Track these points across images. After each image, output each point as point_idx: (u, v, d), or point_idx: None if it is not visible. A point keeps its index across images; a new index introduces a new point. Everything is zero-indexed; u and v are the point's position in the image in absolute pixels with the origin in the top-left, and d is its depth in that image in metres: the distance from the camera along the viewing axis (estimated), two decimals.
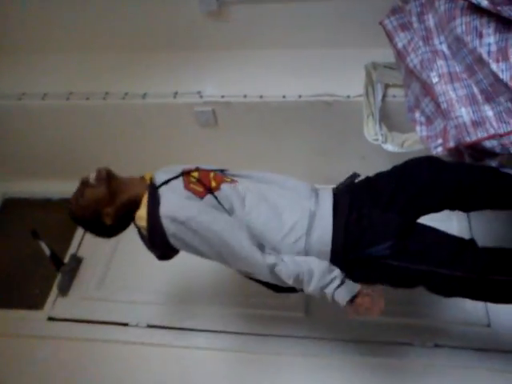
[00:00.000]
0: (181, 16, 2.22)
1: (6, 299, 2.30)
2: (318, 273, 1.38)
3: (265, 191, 1.53)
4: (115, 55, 2.38)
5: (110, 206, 1.50)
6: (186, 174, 1.52)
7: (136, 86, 2.25)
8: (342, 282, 1.38)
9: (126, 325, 2.11)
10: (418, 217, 1.59)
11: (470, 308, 1.89)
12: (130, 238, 1.76)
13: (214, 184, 1.50)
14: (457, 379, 1.77)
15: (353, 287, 1.39)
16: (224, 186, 1.50)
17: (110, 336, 2.09)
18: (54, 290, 2.28)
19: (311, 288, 1.39)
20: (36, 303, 2.26)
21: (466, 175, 1.52)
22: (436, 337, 1.87)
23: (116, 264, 2.33)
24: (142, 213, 1.46)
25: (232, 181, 1.56)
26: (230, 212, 1.46)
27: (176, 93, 2.21)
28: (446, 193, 1.54)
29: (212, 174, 1.55)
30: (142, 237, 1.55)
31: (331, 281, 1.38)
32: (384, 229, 1.44)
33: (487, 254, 1.42)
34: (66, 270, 2.29)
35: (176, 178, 1.50)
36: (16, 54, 2.45)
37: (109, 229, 1.57)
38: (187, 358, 1.99)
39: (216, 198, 1.46)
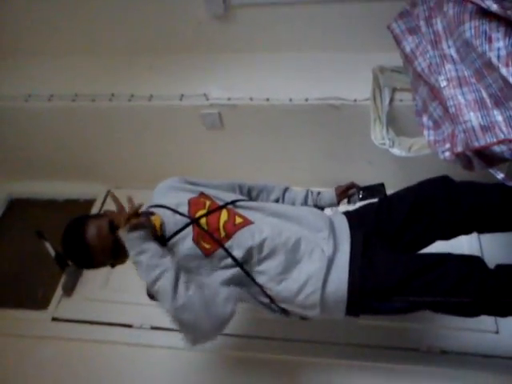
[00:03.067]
0: (187, 18, 2.22)
1: (10, 299, 2.31)
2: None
3: (282, 231, 1.45)
4: (121, 57, 2.39)
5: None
6: (195, 222, 1.45)
7: (142, 87, 2.25)
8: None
9: (130, 326, 2.11)
10: (433, 242, 1.60)
11: None
12: None
13: (223, 234, 1.43)
14: None
15: None
16: (237, 235, 1.43)
17: (114, 337, 2.09)
18: (59, 291, 2.28)
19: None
20: (40, 303, 2.26)
21: (481, 198, 1.53)
22: (443, 342, 1.85)
23: (120, 265, 2.33)
24: None
25: (245, 222, 1.46)
26: (239, 260, 1.42)
27: (182, 95, 2.20)
28: (462, 220, 1.54)
29: (222, 221, 1.45)
30: None
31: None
32: (396, 279, 1.42)
33: (495, 277, 1.40)
34: (70, 270, 2.29)
35: (186, 227, 1.44)
36: (22, 56, 2.46)
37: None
38: (191, 361, 1.98)
39: (226, 249, 1.42)
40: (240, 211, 1.51)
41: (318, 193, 1.71)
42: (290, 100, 2.09)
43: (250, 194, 1.69)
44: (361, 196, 1.68)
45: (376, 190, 1.67)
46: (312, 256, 1.44)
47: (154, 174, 2.57)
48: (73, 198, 2.69)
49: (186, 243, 1.42)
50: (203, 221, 1.45)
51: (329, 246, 1.45)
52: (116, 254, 1.43)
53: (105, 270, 2.27)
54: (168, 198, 1.54)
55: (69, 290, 2.26)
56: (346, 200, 1.72)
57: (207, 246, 1.42)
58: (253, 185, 1.70)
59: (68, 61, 2.43)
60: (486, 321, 1.86)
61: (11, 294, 2.33)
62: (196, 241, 1.42)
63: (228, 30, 2.23)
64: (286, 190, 1.72)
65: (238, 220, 1.46)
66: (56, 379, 2.01)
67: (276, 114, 2.15)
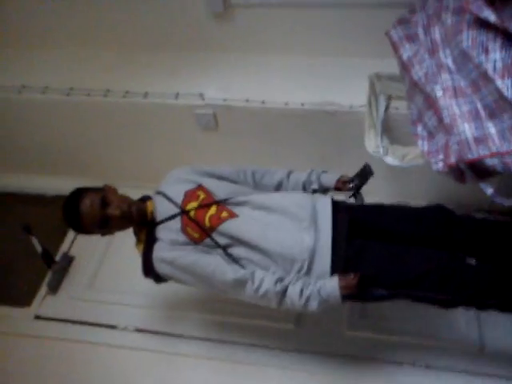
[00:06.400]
0: (186, 16, 2.19)
1: None
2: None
3: (265, 224, 1.53)
4: (118, 53, 2.36)
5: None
6: (184, 213, 1.55)
7: (137, 84, 2.23)
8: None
9: (114, 327, 2.08)
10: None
11: (464, 330, 1.85)
12: (122, 240, 1.73)
13: (208, 225, 1.53)
14: None
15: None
16: (220, 227, 1.52)
17: (98, 338, 2.06)
18: (43, 288, 2.25)
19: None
20: (23, 300, 2.23)
21: (475, 232, 1.59)
22: (428, 357, 1.83)
23: (107, 265, 2.30)
24: (139, 247, 1.61)
25: (230, 215, 1.54)
26: (226, 247, 1.53)
27: (177, 94, 2.18)
28: (454, 247, 1.58)
29: (208, 215, 1.54)
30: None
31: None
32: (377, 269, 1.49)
33: (474, 283, 1.45)
34: (56, 268, 2.27)
35: (174, 217, 1.55)
36: (18, 48, 2.43)
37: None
38: (173, 365, 1.96)
39: (212, 239, 1.53)
40: (229, 207, 1.58)
41: (323, 171, 1.78)
42: (286, 104, 2.07)
43: (254, 176, 1.75)
44: (354, 185, 1.69)
45: (364, 173, 1.70)
46: (294, 248, 1.48)
47: (146, 172, 2.56)
48: (62, 193, 2.61)
49: (173, 232, 1.54)
50: (192, 213, 1.55)
51: (310, 234, 1.50)
52: (103, 226, 1.53)
53: (91, 270, 2.28)
54: (170, 187, 1.64)
55: (54, 288, 2.23)
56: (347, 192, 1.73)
57: (196, 235, 1.53)
58: (256, 168, 1.77)
59: (64, 54, 2.40)
60: (472, 337, 1.85)
61: None
62: (184, 231, 1.54)
63: (226, 30, 2.20)
64: (290, 172, 1.78)
65: (224, 214, 1.55)
66: (37, 378, 1.98)
67: (271, 118, 2.12)
